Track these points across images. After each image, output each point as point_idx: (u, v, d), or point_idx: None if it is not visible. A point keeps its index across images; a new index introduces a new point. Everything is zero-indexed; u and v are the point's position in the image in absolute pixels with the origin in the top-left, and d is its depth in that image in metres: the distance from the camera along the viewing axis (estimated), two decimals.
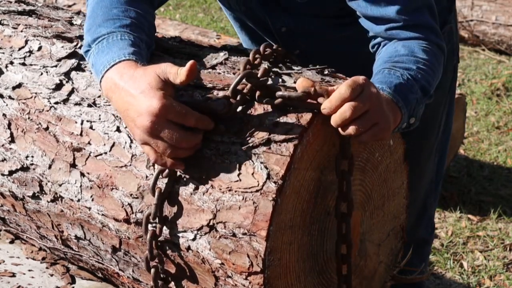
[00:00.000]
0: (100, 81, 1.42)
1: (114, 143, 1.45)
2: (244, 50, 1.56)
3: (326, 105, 1.28)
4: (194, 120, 1.31)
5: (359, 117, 1.28)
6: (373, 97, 1.30)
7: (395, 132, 1.46)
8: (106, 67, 1.40)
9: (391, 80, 1.46)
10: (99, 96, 1.51)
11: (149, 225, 1.37)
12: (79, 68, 1.58)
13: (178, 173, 1.35)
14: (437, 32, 1.64)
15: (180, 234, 1.35)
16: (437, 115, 2.02)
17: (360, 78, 1.30)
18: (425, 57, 1.56)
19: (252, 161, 1.29)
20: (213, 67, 1.46)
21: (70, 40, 1.66)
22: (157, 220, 1.36)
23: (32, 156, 1.56)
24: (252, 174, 1.28)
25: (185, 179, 1.35)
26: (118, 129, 1.46)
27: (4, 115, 1.62)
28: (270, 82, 1.38)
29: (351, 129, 1.28)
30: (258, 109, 1.34)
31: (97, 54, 1.46)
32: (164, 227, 1.37)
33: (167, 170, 1.35)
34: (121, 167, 1.43)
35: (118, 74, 1.38)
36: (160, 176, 1.36)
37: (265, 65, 1.41)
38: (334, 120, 1.28)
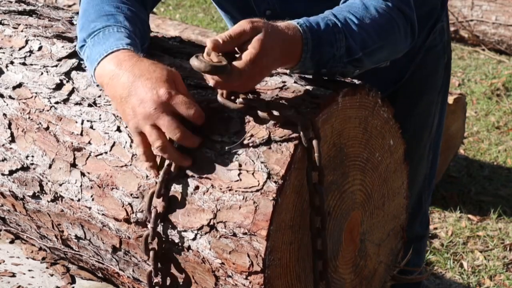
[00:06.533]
0: (95, 68, 1.40)
1: (114, 142, 1.45)
2: None
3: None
4: (198, 112, 1.29)
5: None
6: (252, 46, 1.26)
7: (291, 73, 1.41)
8: (103, 55, 1.40)
9: (319, 22, 1.39)
10: (100, 96, 1.51)
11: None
12: (79, 68, 1.58)
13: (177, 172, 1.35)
14: None
15: (180, 234, 1.35)
16: (429, 114, 2.02)
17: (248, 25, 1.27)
18: (372, 17, 1.46)
19: (252, 160, 1.29)
20: None
21: (70, 40, 1.66)
22: (156, 240, 1.37)
23: (32, 156, 1.56)
24: (253, 173, 1.28)
25: (185, 178, 1.35)
26: (118, 129, 1.46)
27: (4, 115, 1.62)
28: None
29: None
30: None
31: (92, 46, 1.45)
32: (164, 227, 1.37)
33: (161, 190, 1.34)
34: (122, 166, 1.43)
35: (117, 61, 1.37)
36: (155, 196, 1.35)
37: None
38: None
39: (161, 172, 1.34)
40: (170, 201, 1.35)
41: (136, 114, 1.31)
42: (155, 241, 1.36)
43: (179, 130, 1.30)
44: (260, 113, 1.29)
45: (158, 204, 1.35)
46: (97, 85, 1.48)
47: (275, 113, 1.28)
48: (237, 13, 1.91)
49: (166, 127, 1.30)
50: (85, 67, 1.56)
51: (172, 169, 1.34)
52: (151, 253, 1.37)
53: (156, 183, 1.34)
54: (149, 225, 1.36)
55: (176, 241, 1.36)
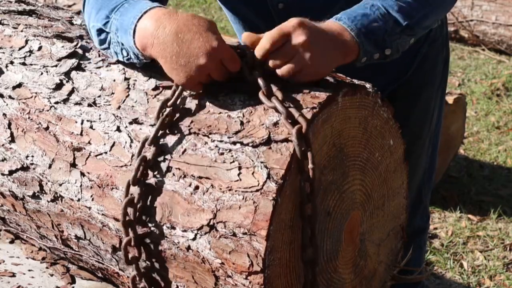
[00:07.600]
0: (135, 30, 1.40)
1: (114, 142, 1.45)
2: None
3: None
4: (237, 67, 1.38)
5: (289, 61, 1.36)
6: (299, 47, 1.36)
7: (364, 63, 1.48)
8: (138, 16, 1.40)
9: (357, 10, 1.48)
10: (99, 96, 1.52)
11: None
12: (79, 68, 1.58)
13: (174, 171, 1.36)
14: None
15: (180, 234, 1.35)
16: (428, 109, 2.02)
17: (290, 25, 1.38)
18: None
19: (252, 160, 1.29)
20: None
21: (70, 40, 1.66)
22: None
23: (32, 156, 1.56)
24: (252, 173, 1.28)
25: (185, 178, 1.35)
26: (118, 129, 1.46)
27: (4, 114, 1.62)
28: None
29: (283, 70, 1.36)
30: (258, 109, 1.34)
31: (121, 16, 1.45)
32: (164, 227, 1.37)
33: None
34: (121, 166, 1.43)
35: (157, 18, 1.38)
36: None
37: None
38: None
39: (137, 160, 1.37)
40: (147, 188, 1.37)
41: (192, 68, 1.35)
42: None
43: (225, 76, 1.39)
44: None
45: (135, 192, 1.38)
46: (129, 59, 1.48)
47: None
48: (247, 8, 1.89)
49: (218, 75, 1.38)
50: (88, 68, 1.55)
51: (150, 156, 1.37)
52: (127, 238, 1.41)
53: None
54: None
55: (176, 241, 1.36)
